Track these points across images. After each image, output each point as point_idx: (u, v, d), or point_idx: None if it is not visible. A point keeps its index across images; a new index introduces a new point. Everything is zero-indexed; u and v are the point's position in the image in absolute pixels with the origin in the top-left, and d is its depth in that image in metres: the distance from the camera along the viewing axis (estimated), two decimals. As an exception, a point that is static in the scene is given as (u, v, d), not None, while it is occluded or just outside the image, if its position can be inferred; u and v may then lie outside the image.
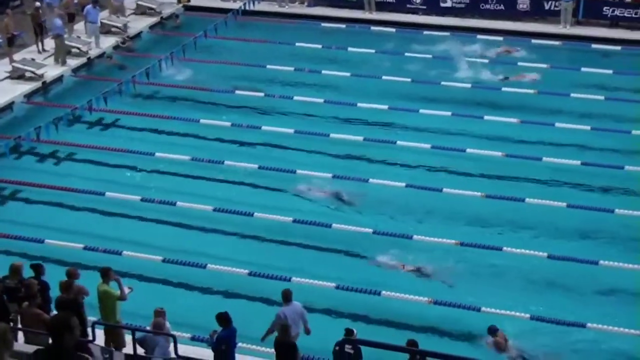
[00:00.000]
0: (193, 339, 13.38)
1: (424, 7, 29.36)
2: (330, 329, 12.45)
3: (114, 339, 12.59)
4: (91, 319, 12.31)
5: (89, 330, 11.81)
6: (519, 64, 25.04)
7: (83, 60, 25.68)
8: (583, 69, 24.41)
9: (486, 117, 21.27)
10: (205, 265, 15.46)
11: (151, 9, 29.84)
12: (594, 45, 26.35)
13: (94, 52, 26.16)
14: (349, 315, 14.39)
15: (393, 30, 28.16)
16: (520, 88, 23.18)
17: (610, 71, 24.06)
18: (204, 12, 29.91)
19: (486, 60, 25.23)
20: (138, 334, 12.05)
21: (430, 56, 25.57)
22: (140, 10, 29.86)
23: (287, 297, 12.60)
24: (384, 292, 14.63)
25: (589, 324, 13.81)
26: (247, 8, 29.05)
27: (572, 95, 22.51)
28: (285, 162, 19.38)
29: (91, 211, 17.89)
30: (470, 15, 28.90)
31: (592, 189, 18.34)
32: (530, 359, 13.38)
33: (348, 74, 24.20)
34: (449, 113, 21.48)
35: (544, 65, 24.70)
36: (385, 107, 22.00)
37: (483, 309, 14.14)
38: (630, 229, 16.66)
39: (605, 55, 25.83)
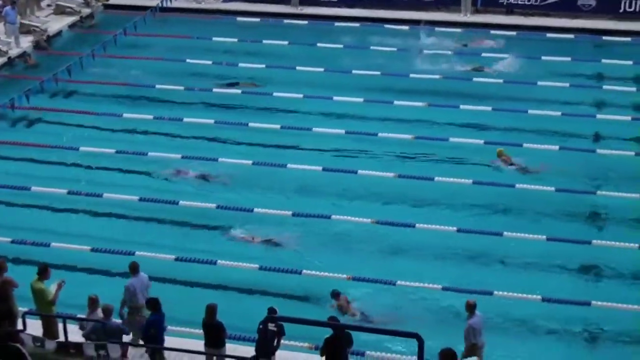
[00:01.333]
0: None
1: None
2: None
3: (48, 329, 13.30)
4: (22, 309, 13.06)
5: (20, 320, 12.56)
6: (426, 51, 26.53)
7: (4, 59, 26.23)
8: (483, 55, 26.12)
9: (396, 102, 22.75)
10: (134, 253, 16.22)
11: (70, 8, 30.41)
12: (492, 32, 28.12)
13: (14, 52, 26.73)
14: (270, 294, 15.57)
15: (306, 22, 29.42)
16: (426, 74, 24.66)
17: (506, 55, 25.80)
18: (123, 10, 30.62)
19: (394, 49, 26.63)
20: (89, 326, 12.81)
21: (341, 46, 26.98)
22: (60, 10, 30.40)
23: (134, 269, 13.59)
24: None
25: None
26: (164, 5, 29.92)
27: (475, 79, 24.15)
28: (207, 151, 20.49)
29: (19, 206, 18.60)
30: (379, 6, 30.29)
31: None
32: (370, 319, 14.56)
33: (263, 66, 25.42)
34: (361, 99, 22.93)
35: (448, 52, 26.39)
36: (301, 95, 23.29)
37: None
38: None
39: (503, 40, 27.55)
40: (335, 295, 14.85)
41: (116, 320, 12.96)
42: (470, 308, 12.71)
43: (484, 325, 12.75)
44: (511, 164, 19.55)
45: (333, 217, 17.47)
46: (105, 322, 12.64)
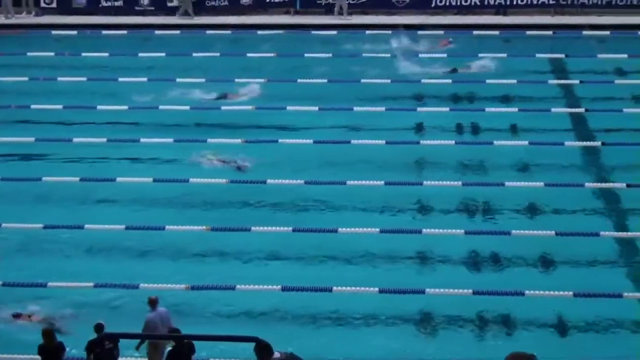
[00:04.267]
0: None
1: (152, 8, 30.32)
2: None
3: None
4: None
5: None
6: (249, 54, 26.60)
7: None
8: (306, 55, 26.49)
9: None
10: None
11: None
12: (313, 32, 28.55)
13: None
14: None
15: (125, 32, 28.89)
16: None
17: (330, 55, 26.30)
18: None
19: (217, 54, 26.58)
20: None
21: (163, 54, 26.69)
22: None
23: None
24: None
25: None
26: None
27: (298, 81, 24.33)
28: (28, 170, 19.74)
29: None
30: (197, 13, 30.13)
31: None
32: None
33: (84, 79, 24.74)
34: (187, 107, 22.76)
35: (272, 54, 26.54)
36: (126, 107, 22.80)
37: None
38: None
39: (325, 42, 28.03)
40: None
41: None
42: (151, 303, 12.97)
43: (168, 321, 12.90)
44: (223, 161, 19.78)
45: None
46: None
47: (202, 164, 19.92)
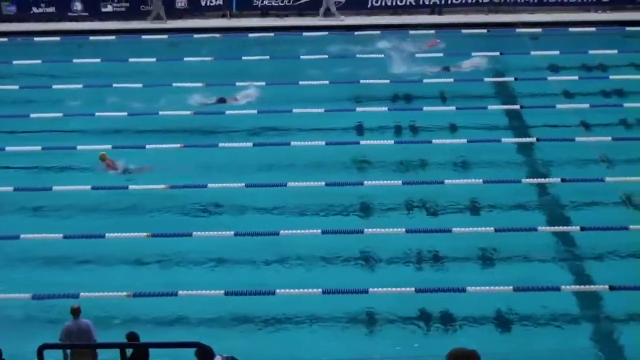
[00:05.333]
0: None
1: (86, 13, 29.92)
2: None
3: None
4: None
5: None
6: (186, 58, 26.43)
7: None
8: (243, 58, 26.39)
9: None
10: None
11: None
12: (250, 35, 28.52)
13: None
14: None
15: (58, 38, 28.47)
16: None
17: (268, 57, 26.32)
18: None
19: (153, 59, 26.37)
20: None
21: (98, 60, 26.39)
22: None
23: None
24: None
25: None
26: None
27: (237, 83, 24.24)
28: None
29: None
30: (133, 18, 29.88)
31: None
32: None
33: (17, 87, 24.32)
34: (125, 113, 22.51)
35: (208, 59, 26.44)
36: (61, 115, 22.47)
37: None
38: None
39: (262, 44, 28.01)
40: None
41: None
42: (73, 312, 12.87)
43: (89, 332, 12.78)
44: (115, 168, 19.66)
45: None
46: None
47: (143, 170, 19.75)
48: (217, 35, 28.59)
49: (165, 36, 28.54)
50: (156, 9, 29.52)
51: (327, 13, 29.69)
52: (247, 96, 23.37)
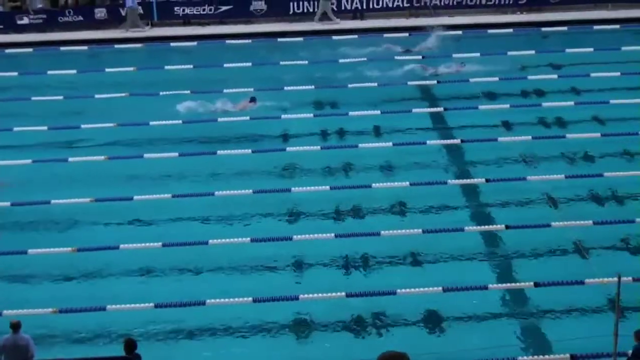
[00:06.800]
0: None
1: (1, 26, 29.30)
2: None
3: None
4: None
5: None
6: (108, 69, 26.12)
7: None
8: (166, 67, 26.20)
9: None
10: None
11: None
12: (172, 44, 28.30)
13: None
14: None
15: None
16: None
17: (190, 66, 26.22)
18: None
19: (74, 71, 25.96)
20: None
21: (15, 73, 25.86)
22: None
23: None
24: None
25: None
26: None
27: (160, 93, 24.08)
28: None
29: None
30: (50, 29, 29.39)
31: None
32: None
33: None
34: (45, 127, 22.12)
35: (131, 68, 26.17)
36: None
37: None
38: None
39: (184, 53, 27.82)
40: None
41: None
42: (12, 327, 12.56)
43: (25, 348, 12.49)
44: None
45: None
46: None
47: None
48: (139, 45, 28.29)
49: (85, 47, 28.13)
50: (131, 18, 29.08)
51: (324, 17, 29.74)
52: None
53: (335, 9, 30.33)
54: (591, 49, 26.48)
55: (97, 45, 28.43)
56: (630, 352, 12.15)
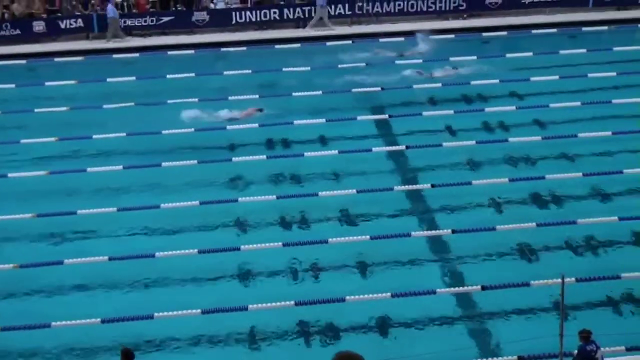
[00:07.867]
0: None
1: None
2: None
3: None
4: None
5: None
6: (48, 83, 25.70)
7: None
8: (109, 79, 25.89)
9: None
10: None
11: None
12: (114, 56, 28.06)
13: None
14: None
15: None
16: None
17: (133, 77, 25.96)
18: None
19: (13, 85, 25.52)
20: None
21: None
22: None
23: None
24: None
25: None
26: None
27: (104, 106, 23.78)
28: None
29: None
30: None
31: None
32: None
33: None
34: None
35: (73, 82, 25.82)
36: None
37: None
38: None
39: (126, 64, 27.56)
40: None
41: None
42: None
43: None
44: None
45: None
46: None
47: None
48: (80, 57, 27.95)
49: (23, 61, 27.68)
50: (112, 29, 28.68)
51: (319, 23, 29.70)
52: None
53: (278, 17, 30.35)
54: (530, 53, 26.91)
55: (35, 58, 27.96)
56: (575, 351, 12.34)
